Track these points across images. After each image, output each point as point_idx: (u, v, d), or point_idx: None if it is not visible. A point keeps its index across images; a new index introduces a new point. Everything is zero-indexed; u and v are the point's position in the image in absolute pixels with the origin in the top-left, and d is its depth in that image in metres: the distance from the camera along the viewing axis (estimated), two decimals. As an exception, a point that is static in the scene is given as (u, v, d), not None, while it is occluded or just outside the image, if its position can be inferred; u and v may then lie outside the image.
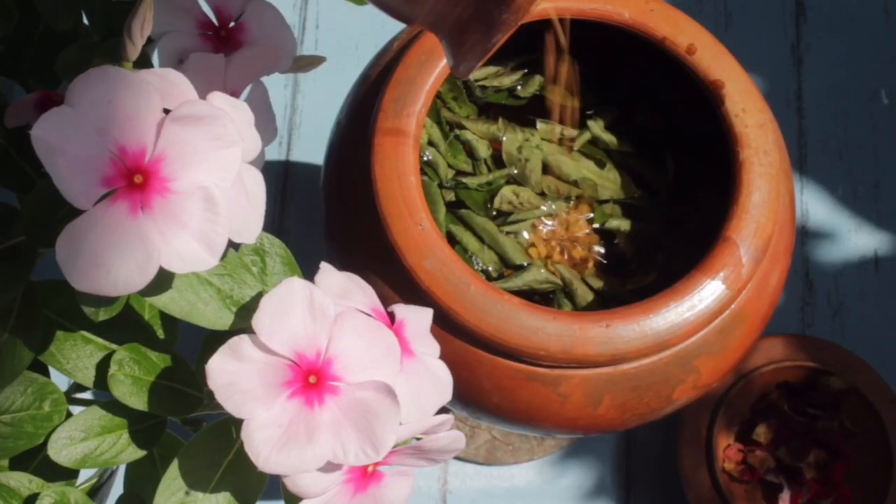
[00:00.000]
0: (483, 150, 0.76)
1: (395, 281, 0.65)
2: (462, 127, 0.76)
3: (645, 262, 0.75)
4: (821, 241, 1.08)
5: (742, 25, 1.16)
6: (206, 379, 0.45)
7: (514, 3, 0.45)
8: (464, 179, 0.74)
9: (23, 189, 0.53)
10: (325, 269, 0.50)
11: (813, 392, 0.94)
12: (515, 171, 0.75)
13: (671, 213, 0.77)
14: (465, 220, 0.74)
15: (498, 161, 0.77)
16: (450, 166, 0.75)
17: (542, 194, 0.75)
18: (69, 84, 0.42)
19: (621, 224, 0.75)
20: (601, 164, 0.77)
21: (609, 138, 0.77)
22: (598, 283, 0.73)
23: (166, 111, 0.43)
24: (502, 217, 0.75)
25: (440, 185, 0.74)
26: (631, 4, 0.70)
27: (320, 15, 1.14)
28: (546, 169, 0.76)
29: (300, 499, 0.48)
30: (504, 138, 0.75)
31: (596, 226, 0.75)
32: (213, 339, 0.50)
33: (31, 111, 0.53)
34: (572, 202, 0.75)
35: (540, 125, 0.77)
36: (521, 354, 0.63)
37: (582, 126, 0.78)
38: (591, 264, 0.74)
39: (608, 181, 0.76)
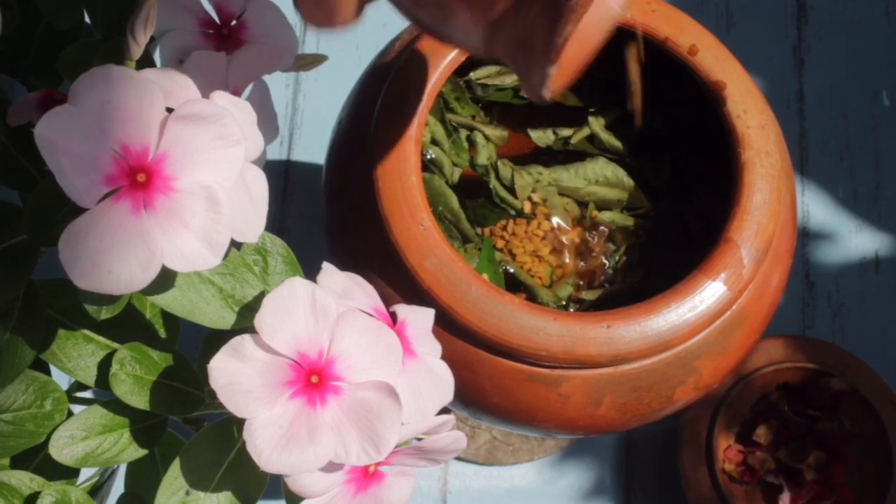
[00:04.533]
0: (484, 158, 0.76)
1: (396, 281, 0.65)
2: (472, 128, 0.76)
3: (646, 263, 0.75)
4: (821, 242, 1.08)
5: (743, 26, 1.16)
6: (207, 378, 0.45)
7: None
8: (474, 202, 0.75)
9: (25, 188, 0.53)
10: (327, 269, 0.50)
11: (813, 393, 0.95)
12: (533, 215, 0.75)
13: (671, 214, 0.77)
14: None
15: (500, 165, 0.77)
16: (455, 165, 0.75)
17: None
18: (71, 83, 0.42)
19: (624, 220, 0.75)
20: (607, 158, 0.77)
21: (607, 137, 0.77)
22: (593, 295, 0.73)
23: (169, 110, 0.43)
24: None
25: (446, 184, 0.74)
26: (633, 5, 0.70)
27: (321, 14, 1.14)
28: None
29: (301, 498, 0.48)
30: (515, 186, 0.75)
31: (602, 225, 0.75)
32: (215, 339, 0.50)
33: (33, 110, 0.53)
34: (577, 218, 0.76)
35: (532, 133, 0.77)
36: (522, 355, 0.63)
37: (582, 124, 0.78)
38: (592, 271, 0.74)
39: (616, 188, 0.76)
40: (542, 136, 0.77)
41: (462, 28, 0.43)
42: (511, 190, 0.75)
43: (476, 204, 0.75)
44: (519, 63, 0.43)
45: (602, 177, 0.76)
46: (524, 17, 0.42)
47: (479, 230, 0.74)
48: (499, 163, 0.75)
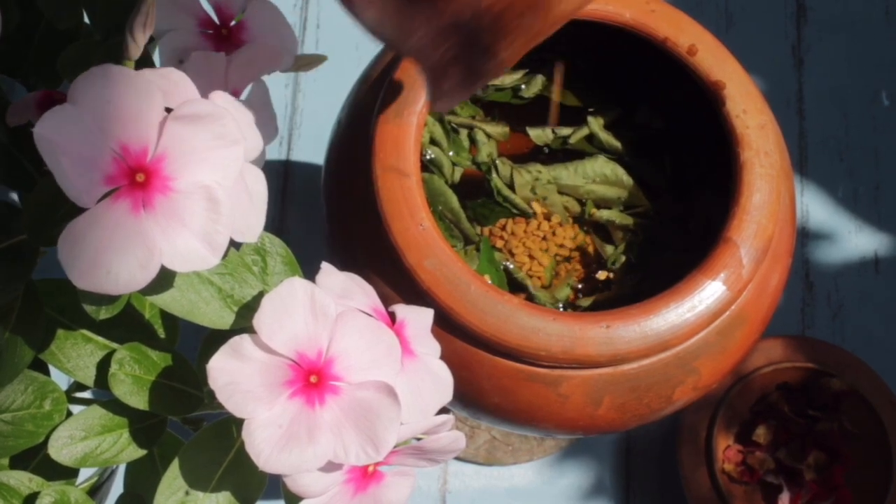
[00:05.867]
0: (484, 154, 0.76)
1: (395, 281, 0.65)
2: (472, 127, 0.76)
3: (645, 263, 0.75)
4: (821, 243, 1.08)
5: (743, 26, 1.16)
6: (206, 378, 0.45)
7: (498, 57, 0.46)
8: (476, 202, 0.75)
9: (24, 187, 0.53)
10: (327, 268, 0.50)
11: (812, 393, 0.95)
12: (533, 213, 0.75)
13: (671, 213, 0.77)
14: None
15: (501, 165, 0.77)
16: (455, 164, 0.75)
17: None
18: (71, 83, 0.42)
19: (623, 219, 0.75)
20: (607, 157, 0.77)
21: (606, 137, 0.77)
22: (592, 297, 0.73)
23: (168, 110, 0.43)
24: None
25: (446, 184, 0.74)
26: (632, 5, 0.70)
27: (321, 14, 1.14)
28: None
29: (301, 498, 0.48)
30: (514, 184, 0.75)
31: (604, 217, 0.75)
32: (214, 339, 0.50)
33: (32, 110, 0.53)
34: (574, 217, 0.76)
35: (531, 132, 0.77)
36: (521, 355, 0.63)
37: (581, 124, 0.78)
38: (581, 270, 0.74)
39: (615, 186, 0.76)
40: (541, 135, 0.77)
41: (392, 30, 0.48)
42: (511, 188, 0.75)
43: (476, 204, 0.75)
44: (431, 85, 0.50)
45: (601, 175, 0.76)
46: (444, 51, 0.47)
47: (478, 229, 0.74)
48: (497, 161, 0.75)
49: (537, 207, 0.75)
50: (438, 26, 0.46)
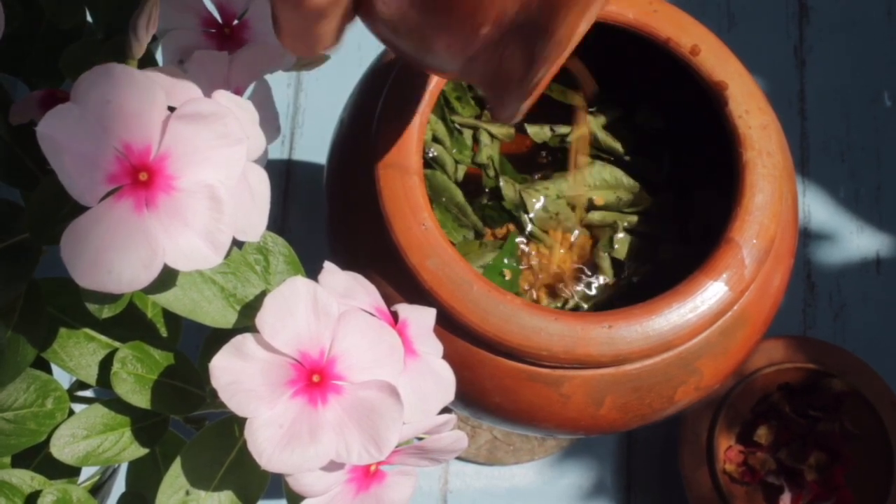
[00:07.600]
0: (484, 156, 0.76)
1: (397, 280, 0.65)
2: (477, 127, 0.76)
3: (647, 262, 0.75)
4: (823, 243, 1.08)
5: (745, 27, 1.16)
6: (208, 377, 0.45)
7: (555, 36, 0.41)
8: (484, 201, 0.75)
9: (27, 186, 0.53)
10: (329, 268, 0.50)
11: (814, 394, 0.95)
12: (538, 226, 0.75)
13: (672, 211, 0.77)
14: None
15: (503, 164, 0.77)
16: (458, 163, 0.75)
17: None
18: (73, 82, 0.42)
19: (625, 218, 0.75)
20: (609, 160, 0.77)
21: (605, 137, 0.77)
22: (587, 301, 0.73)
23: (171, 109, 0.43)
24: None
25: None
26: (635, 5, 0.70)
27: (323, 14, 1.14)
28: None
29: (302, 498, 0.48)
30: (526, 205, 0.75)
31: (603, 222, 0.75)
32: (217, 338, 0.50)
33: (35, 108, 0.53)
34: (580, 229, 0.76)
35: (530, 129, 0.77)
36: (523, 354, 0.63)
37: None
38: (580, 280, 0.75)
39: (616, 189, 0.76)
40: (539, 132, 0.77)
41: (440, 58, 0.44)
42: (524, 209, 0.75)
43: (485, 205, 0.75)
44: (492, 94, 0.45)
45: (601, 180, 0.76)
46: (501, 54, 0.43)
47: (488, 232, 0.74)
48: (501, 182, 0.75)
49: (554, 235, 0.75)
50: (485, 36, 0.41)
